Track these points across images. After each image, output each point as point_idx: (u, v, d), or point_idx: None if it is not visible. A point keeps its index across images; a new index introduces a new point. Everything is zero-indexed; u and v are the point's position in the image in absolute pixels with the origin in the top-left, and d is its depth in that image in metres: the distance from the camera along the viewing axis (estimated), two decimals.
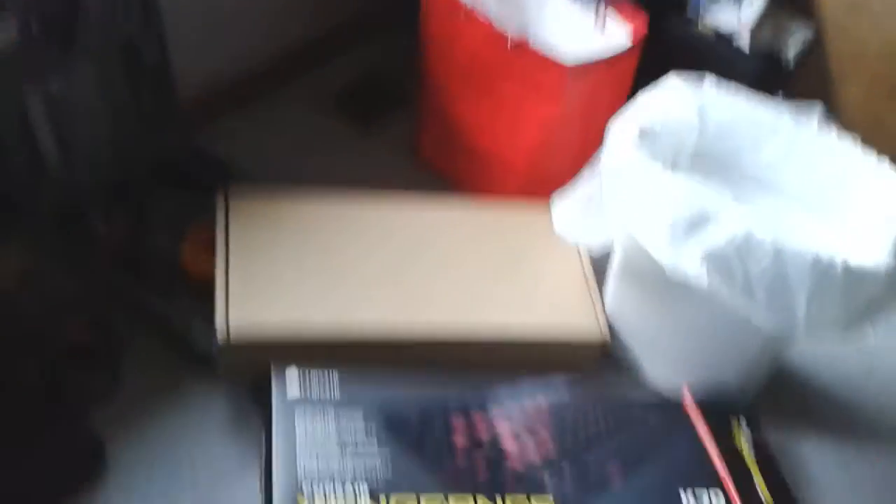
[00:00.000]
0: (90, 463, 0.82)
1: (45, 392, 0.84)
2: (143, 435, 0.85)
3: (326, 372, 0.79)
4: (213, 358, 0.84)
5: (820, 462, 0.95)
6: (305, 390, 0.77)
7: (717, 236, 0.76)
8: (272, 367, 0.78)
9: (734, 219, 0.76)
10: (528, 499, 0.72)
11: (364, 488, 0.69)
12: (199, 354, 0.89)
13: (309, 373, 0.79)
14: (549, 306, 0.97)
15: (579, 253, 1.03)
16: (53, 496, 0.79)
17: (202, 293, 0.88)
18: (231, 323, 0.82)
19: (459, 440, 0.76)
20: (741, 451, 0.84)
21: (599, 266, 1.02)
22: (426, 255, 0.96)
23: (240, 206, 0.94)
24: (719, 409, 0.88)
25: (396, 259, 0.95)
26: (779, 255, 0.75)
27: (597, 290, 1.00)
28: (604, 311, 0.99)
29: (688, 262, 0.78)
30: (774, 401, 1.00)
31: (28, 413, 0.82)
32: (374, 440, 0.73)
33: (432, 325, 0.89)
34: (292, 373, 0.78)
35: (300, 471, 0.69)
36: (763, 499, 0.79)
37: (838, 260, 0.74)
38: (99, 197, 0.98)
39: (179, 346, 0.91)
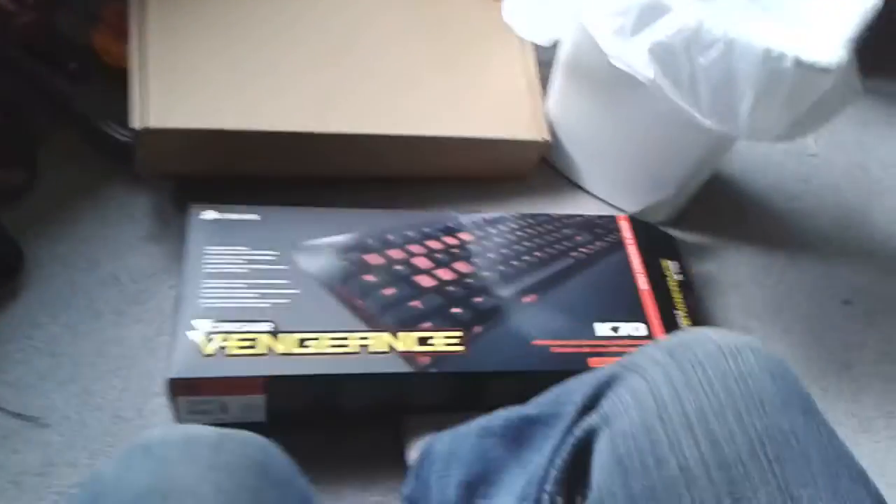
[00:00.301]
0: (6, 265, 0.77)
1: None
2: (61, 235, 0.81)
3: (244, 211, 0.75)
4: (130, 151, 0.78)
5: (752, 269, 0.95)
6: (221, 229, 0.73)
7: (667, 27, 0.72)
8: (189, 207, 0.75)
9: (685, 10, 0.71)
10: (436, 333, 0.70)
11: (267, 327, 0.67)
12: (116, 147, 0.83)
13: (227, 212, 0.75)
14: (488, 103, 0.92)
15: (524, 49, 0.96)
16: None
17: (118, 82, 0.80)
18: (147, 110, 0.76)
19: (371, 277, 0.73)
20: (668, 282, 0.82)
21: (545, 64, 0.96)
22: (361, 43, 0.89)
23: None
24: (652, 237, 0.86)
25: (330, 46, 0.88)
26: (728, 47, 0.71)
27: (540, 88, 0.95)
28: (546, 110, 0.95)
29: (635, 53, 0.74)
30: (710, 207, 0.99)
31: None
32: (285, 281, 0.70)
33: (364, 117, 0.84)
34: (209, 213, 0.74)
35: (204, 309, 0.67)
36: (683, 328, 0.79)
37: (789, 55, 0.70)
38: None
39: (95, 138, 0.85)
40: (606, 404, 0.47)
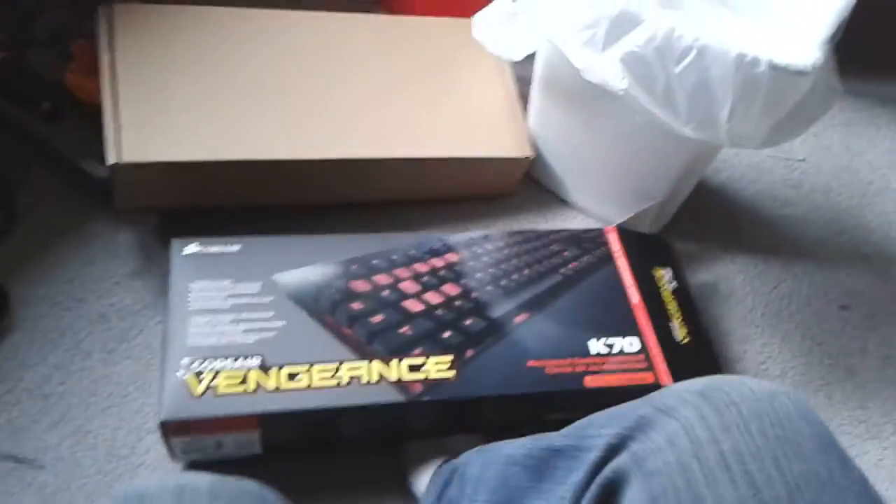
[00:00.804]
0: None
1: None
2: (45, 276, 0.84)
3: (227, 243, 0.78)
4: (109, 187, 0.82)
5: (748, 278, 0.98)
6: (204, 264, 0.76)
7: (638, 37, 0.75)
8: (172, 241, 0.77)
9: (655, 19, 0.74)
10: (427, 359, 0.72)
11: (255, 362, 0.69)
12: (95, 184, 0.86)
13: (209, 245, 0.77)
14: (469, 121, 0.95)
15: (503, 65, 1.00)
16: None
17: (93, 118, 0.83)
18: (121, 145, 0.79)
19: (358, 305, 0.75)
20: (661, 292, 0.85)
21: (523, 80, 1.00)
22: (336, 69, 0.93)
23: (126, 23, 0.88)
24: (642, 246, 0.89)
25: (304, 72, 0.91)
26: (701, 54, 0.73)
27: (519, 105, 0.99)
28: (527, 126, 0.99)
29: (607, 65, 0.77)
30: (700, 217, 1.02)
31: None
32: (271, 313, 0.73)
33: (343, 142, 0.87)
34: (191, 247, 0.77)
35: (191, 348, 0.69)
36: (679, 339, 0.81)
37: (763, 59, 0.73)
38: None
39: (74, 176, 0.88)
40: (636, 446, 0.48)
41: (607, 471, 0.49)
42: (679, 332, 0.82)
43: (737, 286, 0.97)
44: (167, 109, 0.83)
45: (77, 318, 0.81)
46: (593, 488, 0.49)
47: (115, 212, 0.85)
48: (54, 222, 0.88)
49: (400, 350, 0.72)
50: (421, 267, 0.81)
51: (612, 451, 0.49)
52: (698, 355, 0.82)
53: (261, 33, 0.92)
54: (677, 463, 0.45)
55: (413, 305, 0.77)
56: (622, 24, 0.75)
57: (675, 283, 0.87)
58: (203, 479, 0.45)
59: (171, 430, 0.66)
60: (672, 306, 0.84)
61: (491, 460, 0.61)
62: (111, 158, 0.78)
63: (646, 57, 0.75)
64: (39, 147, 0.90)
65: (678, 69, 0.74)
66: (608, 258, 0.86)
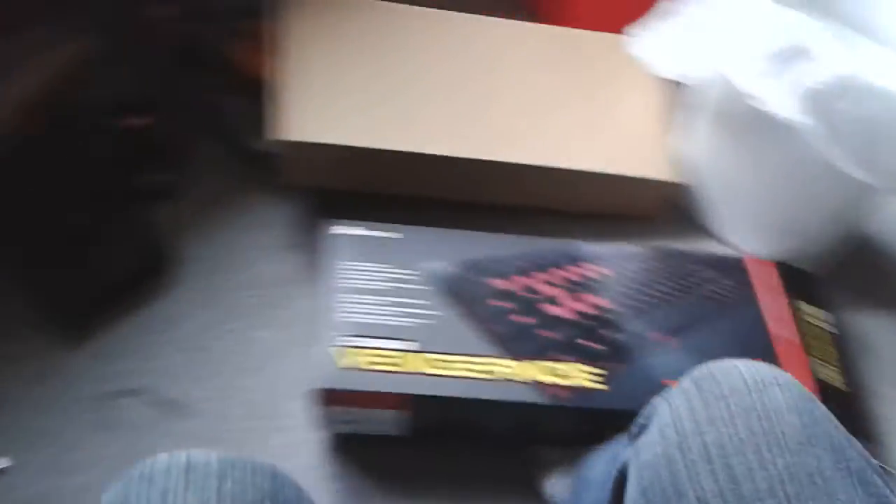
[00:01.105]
0: (156, 262, 0.86)
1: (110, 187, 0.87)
2: (205, 238, 0.89)
3: (387, 229, 0.82)
4: (271, 162, 0.86)
5: (890, 335, 0.95)
6: (365, 246, 0.80)
7: (818, 73, 0.75)
8: (333, 222, 0.81)
9: (838, 57, 0.74)
10: (575, 366, 0.74)
11: (408, 345, 0.73)
12: (258, 158, 0.91)
13: (371, 229, 0.81)
14: (618, 139, 0.97)
15: (654, 87, 1.01)
16: (117, 295, 0.83)
17: (259, 95, 0.89)
18: (291, 124, 0.84)
19: (506, 303, 0.78)
20: (805, 328, 0.84)
21: (675, 102, 1.00)
22: (495, 73, 0.96)
23: (300, 4, 0.93)
24: (789, 281, 0.88)
25: (463, 75, 0.95)
26: (877, 95, 0.74)
27: (671, 127, 0.99)
28: (676, 150, 0.99)
29: (781, 98, 0.77)
30: (848, 261, 0.99)
31: (94, 204, 0.85)
32: (424, 300, 0.76)
33: (497, 145, 0.90)
34: (354, 229, 0.81)
35: (348, 324, 0.73)
36: (825, 381, 0.80)
37: None
38: None
39: (238, 148, 0.94)
40: (641, 438, 0.50)
41: (618, 462, 0.52)
42: (821, 371, 0.80)
43: (883, 342, 0.94)
44: (333, 93, 0.88)
45: (231, 281, 0.86)
46: (610, 479, 0.53)
47: (276, 186, 0.90)
48: (217, 190, 0.93)
49: (548, 353, 0.74)
50: (569, 274, 0.82)
51: (633, 438, 0.52)
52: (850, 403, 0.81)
53: (427, 31, 0.97)
54: (663, 455, 0.46)
55: (564, 312, 0.79)
56: (801, 58, 0.76)
57: (819, 321, 0.86)
58: (213, 458, 0.44)
59: (323, 399, 0.70)
60: (815, 343, 0.83)
61: (598, 460, 0.64)
62: (275, 135, 0.83)
63: (824, 94, 0.75)
64: (209, 118, 0.96)
65: (851, 108, 0.75)
66: (752, 288, 0.85)
